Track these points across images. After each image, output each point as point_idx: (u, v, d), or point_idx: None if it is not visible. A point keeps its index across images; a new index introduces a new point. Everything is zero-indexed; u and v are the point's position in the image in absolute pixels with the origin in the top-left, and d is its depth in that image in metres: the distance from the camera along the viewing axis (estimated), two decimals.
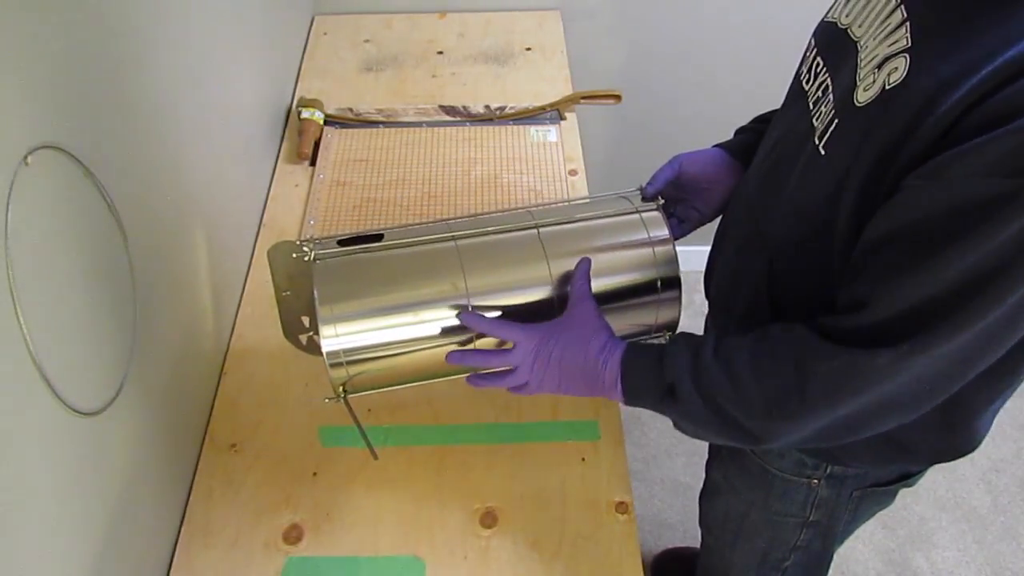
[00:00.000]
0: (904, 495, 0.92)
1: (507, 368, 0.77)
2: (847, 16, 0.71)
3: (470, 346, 0.80)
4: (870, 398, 0.64)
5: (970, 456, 0.80)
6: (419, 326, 0.78)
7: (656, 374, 0.72)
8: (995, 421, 0.79)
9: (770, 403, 0.67)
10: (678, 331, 0.84)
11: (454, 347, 0.79)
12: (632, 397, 0.75)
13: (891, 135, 0.59)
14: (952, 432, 0.78)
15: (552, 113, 1.41)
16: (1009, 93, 0.52)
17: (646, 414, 1.86)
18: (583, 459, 0.94)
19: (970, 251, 0.55)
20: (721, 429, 0.71)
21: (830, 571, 1.04)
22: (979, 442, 0.80)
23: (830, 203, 0.67)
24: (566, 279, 0.80)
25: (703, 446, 1.12)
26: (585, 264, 0.80)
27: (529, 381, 0.77)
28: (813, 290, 0.72)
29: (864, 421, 0.68)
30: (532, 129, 1.39)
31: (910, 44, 0.60)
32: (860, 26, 0.68)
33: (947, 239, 0.56)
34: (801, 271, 0.74)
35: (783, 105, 0.83)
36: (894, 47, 0.62)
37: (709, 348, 0.71)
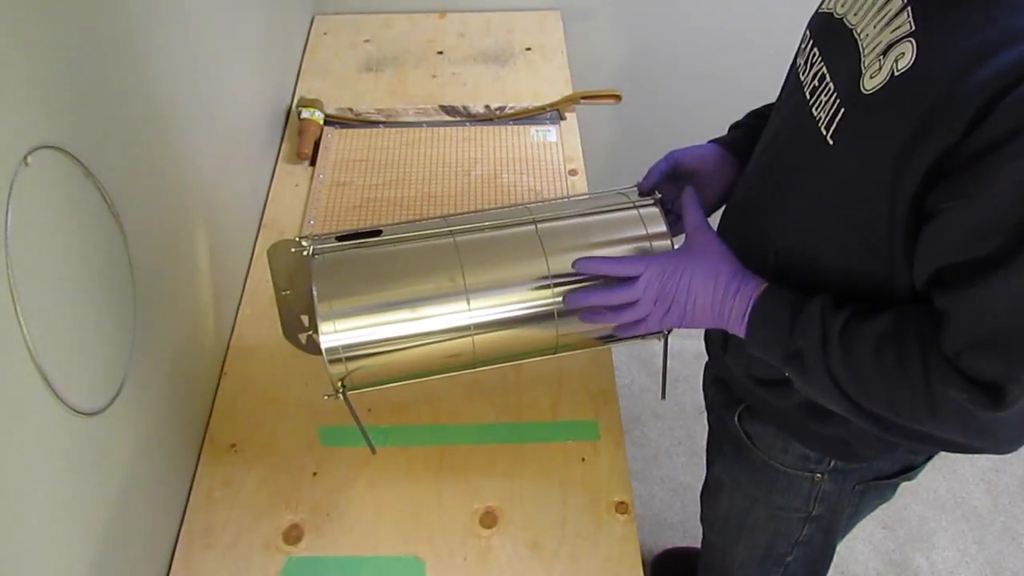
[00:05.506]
0: (904, 495, 0.92)
1: (627, 302, 0.77)
2: (842, 6, 0.71)
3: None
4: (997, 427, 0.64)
5: (970, 456, 0.80)
6: (418, 322, 0.78)
7: (786, 333, 0.71)
8: None
9: (900, 409, 0.67)
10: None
11: (456, 342, 0.79)
12: (755, 345, 0.75)
13: (914, 122, 0.59)
14: None
15: (552, 113, 1.41)
16: None
17: (646, 414, 1.86)
18: (583, 459, 0.94)
19: None
20: (849, 410, 0.71)
21: (829, 571, 1.04)
22: None
23: (845, 193, 0.67)
24: (564, 274, 0.80)
25: (703, 446, 1.11)
26: (691, 193, 0.81)
27: (650, 313, 0.77)
28: (820, 281, 0.72)
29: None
30: (532, 129, 1.39)
31: (914, 28, 0.60)
32: (855, 14, 0.69)
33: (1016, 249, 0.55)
34: (809, 264, 0.74)
35: (779, 99, 0.83)
36: (897, 32, 0.62)
37: (836, 327, 0.69)
